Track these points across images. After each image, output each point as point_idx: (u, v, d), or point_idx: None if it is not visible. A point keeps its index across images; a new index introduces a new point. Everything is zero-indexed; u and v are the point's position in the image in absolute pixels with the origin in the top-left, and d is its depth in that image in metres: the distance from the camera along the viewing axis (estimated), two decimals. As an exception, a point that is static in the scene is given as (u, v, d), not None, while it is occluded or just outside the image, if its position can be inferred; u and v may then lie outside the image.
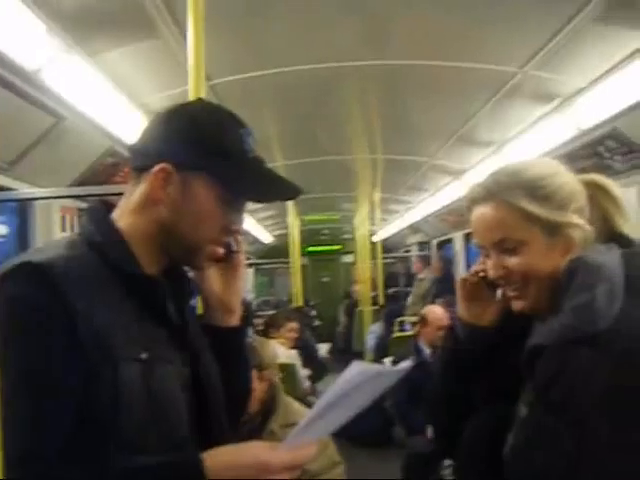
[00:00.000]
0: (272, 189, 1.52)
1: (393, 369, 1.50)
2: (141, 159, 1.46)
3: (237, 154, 1.45)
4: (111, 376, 1.26)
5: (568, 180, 1.55)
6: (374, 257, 11.21)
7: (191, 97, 2.17)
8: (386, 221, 13.38)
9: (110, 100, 3.87)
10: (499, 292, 1.67)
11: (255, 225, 12.24)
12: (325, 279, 18.49)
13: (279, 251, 14.61)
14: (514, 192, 1.52)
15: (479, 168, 6.82)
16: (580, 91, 4.27)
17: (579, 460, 1.32)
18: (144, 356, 1.33)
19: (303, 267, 13.07)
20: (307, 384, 6.42)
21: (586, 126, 4.50)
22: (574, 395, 1.35)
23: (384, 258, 11.86)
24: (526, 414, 1.46)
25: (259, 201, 1.60)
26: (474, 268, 1.72)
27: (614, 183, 1.62)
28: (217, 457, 1.25)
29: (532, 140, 5.30)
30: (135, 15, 3.19)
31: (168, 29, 3.34)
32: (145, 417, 1.30)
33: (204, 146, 1.42)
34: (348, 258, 17.56)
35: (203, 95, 2.22)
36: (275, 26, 3.71)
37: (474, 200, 1.59)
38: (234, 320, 1.65)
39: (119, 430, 1.26)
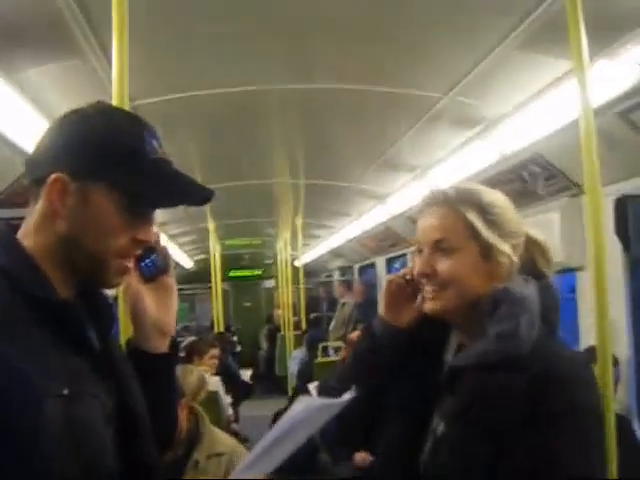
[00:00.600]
0: (179, 192, 1.42)
1: (336, 400, 1.46)
2: (36, 170, 1.35)
3: (138, 158, 1.35)
4: (33, 417, 1.13)
5: (515, 220, 1.70)
6: (296, 282, 11.20)
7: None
8: (308, 246, 13.39)
9: (29, 121, 3.75)
10: (419, 297, 1.75)
11: (176, 250, 12.09)
12: (247, 304, 18.42)
13: (200, 276, 14.51)
14: (468, 206, 1.65)
15: (402, 192, 6.86)
16: (503, 116, 4.32)
17: (494, 475, 1.45)
18: (66, 392, 1.21)
19: (224, 292, 13.00)
20: (230, 411, 6.34)
21: (509, 151, 4.54)
22: (493, 414, 1.48)
23: (306, 283, 11.86)
24: (443, 430, 1.60)
25: (165, 206, 1.47)
26: (402, 271, 1.82)
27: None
28: None
29: (456, 164, 5.34)
30: (55, 32, 3.08)
31: (90, 48, 3.24)
32: (67, 454, 1.19)
33: (100, 151, 1.32)
34: (270, 283, 17.60)
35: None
36: (199, 47, 3.65)
37: (431, 202, 1.71)
38: (164, 346, 1.56)
39: (40, 468, 1.14)
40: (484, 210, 1.64)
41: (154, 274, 1.52)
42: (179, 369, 4.79)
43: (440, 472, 1.56)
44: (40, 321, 1.24)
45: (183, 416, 3.32)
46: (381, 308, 1.84)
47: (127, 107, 2.20)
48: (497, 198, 1.70)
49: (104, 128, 1.34)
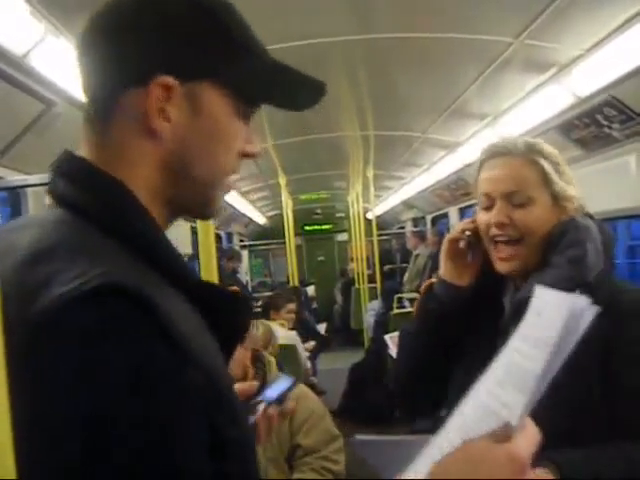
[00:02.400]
0: (299, 89, 1.14)
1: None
2: (114, 75, 0.98)
3: (251, 48, 1.06)
4: (241, 439, 0.92)
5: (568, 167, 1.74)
6: (369, 235, 11.18)
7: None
8: (380, 198, 13.34)
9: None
10: (471, 254, 1.79)
11: (248, 206, 12.19)
12: (320, 258, 18.48)
13: (273, 231, 14.61)
14: (538, 155, 1.67)
15: (473, 141, 6.76)
16: (576, 59, 4.20)
17: (577, 408, 1.48)
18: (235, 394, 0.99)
19: (298, 247, 13.06)
20: (308, 365, 6.41)
21: (583, 94, 4.43)
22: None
23: (379, 235, 11.83)
24: None
25: (282, 104, 1.14)
26: (460, 226, 1.81)
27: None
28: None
29: (528, 111, 5.23)
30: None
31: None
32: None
33: (213, 40, 1.00)
34: (343, 236, 17.60)
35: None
36: (262, 2, 3.62)
37: (497, 152, 1.71)
38: None
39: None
40: (551, 159, 1.68)
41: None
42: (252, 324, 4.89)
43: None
44: (187, 301, 0.94)
45: (246, 361, 3.40)
46: (442, 269, 1.83)
47: None
48: (553, 149, 1.73)
49: (211, 12, 1.01)
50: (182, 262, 0.99)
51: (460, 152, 7.40)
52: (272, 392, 1.48)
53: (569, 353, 0.98)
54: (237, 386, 1.30)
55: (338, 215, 17.35)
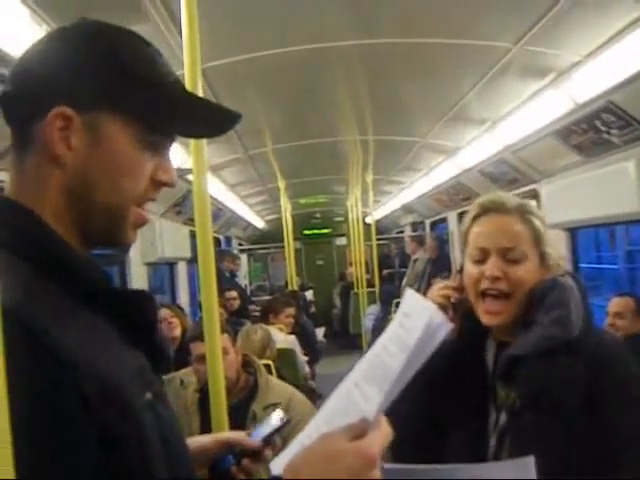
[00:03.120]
0: (206, 119, 1.18)
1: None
2: (23, 107, 1.05)
3: (153, 78, 1.09)
4: (136, 434, 0.95)
5: None
6: (368, 239, 11.20)
7: (187, 82, 2.11)
8: (379, 202, 13.36)
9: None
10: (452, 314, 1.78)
11: (247, 210, 12.20)
12: (319, 262, 18.50)
13: (272, 235, 14.62)
14: (531, 215, 1.76)
15: (473, 146, 6.78)
16: (575, 65, 4.22)
17: (570, 456, 1.54)
18: (149, 396, 1.02)
19: (297, 251, 13.07)
20: (307, 369, 6.40)
21: (582, 100, 4.44)
22: (564, 399, 1.57)
23: (378, 239, 11.85)
24: (506, 420, 1.67)
25: (189, 134, 1.25)
26: (442, 292, 1.80)
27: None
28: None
29: (527, 116, 5.25)
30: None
31: (158, 13, 3.27)
32: (165, 470, 1.01)
33: (108, 72, 1.04)
34: (341, 241, 17.62)
35: (199, 79, 2.16)
36: (264, 8, 3.64)
37: (492, 209, 1.77)
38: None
39: None
40: (541, 220, 1.77)
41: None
42: (244, 328, 4.93)
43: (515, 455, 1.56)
44: (90, 308, 1.00)
45: (238, 365, 3.50)
46: None
47: (199, 70, 2.20)
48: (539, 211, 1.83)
49: (108, 47, 1.06)
50: (91, 275, 1.04)
51: (459, 157, 7.42)
52: (262, 430, 1.51)
53: (422, 363, 1.04)
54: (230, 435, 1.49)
55: (337, 219, 17.37)
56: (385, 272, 12.66)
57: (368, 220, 12.00)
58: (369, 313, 10.08)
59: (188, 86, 2.02)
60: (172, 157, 1.17)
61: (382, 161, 9.07)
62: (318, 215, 17.42)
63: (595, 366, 1.59)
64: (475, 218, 1.80)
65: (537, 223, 1.74)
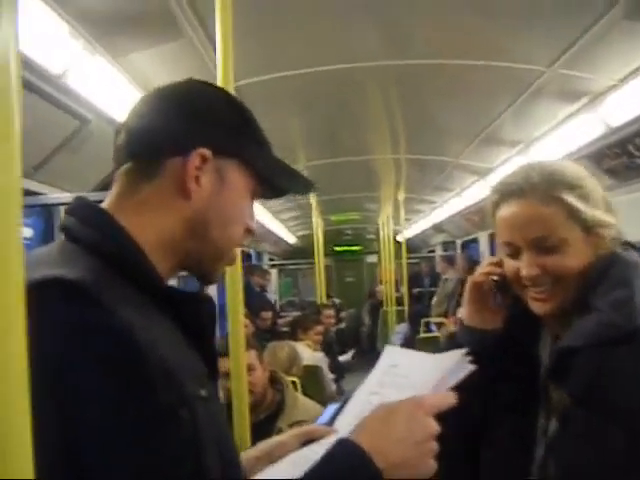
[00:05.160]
0: (296, 180, 1.31)
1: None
2: (157, 147, 1.15)
3: (264, 141, 1.25)
4: (190, 420, 0.97)
5: (597, 184, 1.48)
6: (398, 257, 11.17)
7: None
8: (410, 221, 13.34)
9: (135, 102, 3.83)
10: (499, 297, 1.57)
11: (279, 226, 12.24)
12: (349, 279, 18.48)
13: (303, 251, 14.63)
14: (558, 188, 1.41)
15: (505, 168, 6.75)
16: (609, 89, 4.21)
17: (630, 463, 1.27)
18: (204, 393, 1.04)
19: (327, 267, 13.05)
20: (333, 387, 6.39)
21: (615, 124, 4.43)
22: (621, 397, 1.30)
23: (408, 258, 11.82)
24: (557, 427, 1.39)
25: (287, 191, 1.33)
26: (483, 270, 1.58)
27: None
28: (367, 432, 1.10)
29: (559, 139, 5.24)
30: (159, 16, 3.16)
31: (193, 30, 3.31)
32: (217, 469, 1.03)
33: (237, 127, 1.19)
34: (372, 258, 17.59)
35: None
36: (298, 27, 3.68)
37: (511, 193, 1.46)
38: None
39: None
40: (572, 185, 1.42)
41: None
42: (271, 345, 4.94)
43: (564, 473, 1.35)
44: (159, 309, 1.07)
45: (265, 382, 3.50)
46: (465, 315, 1.61)
47: (232, 88, 2.21)
48: (574, 168, 1.49)
49: (241, 105, 1.24)
50: (156, 276, 1.10)
51: (491, 178, 7.40)
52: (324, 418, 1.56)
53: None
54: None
55: (368, 237, 17.36)
56: (415, 291, 12.60)
57: (399, 238, 11.98)
58: (397, 332, 10.04)
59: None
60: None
61: (414, 180, 9.07)
62: (349, 232, 17.41)
63: None
64: (495, 206, 1.50)
65: (568, 196, 1.39)
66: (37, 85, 3.13)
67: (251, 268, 10.37)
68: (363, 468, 1.04)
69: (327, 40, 3.97)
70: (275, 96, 4.80)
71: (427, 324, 9.07)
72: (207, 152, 1.13)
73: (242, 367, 2.19)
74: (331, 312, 6.62)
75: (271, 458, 1.35)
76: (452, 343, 1.57)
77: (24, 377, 0.61)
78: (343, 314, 13.38)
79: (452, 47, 4.09)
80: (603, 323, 1.34)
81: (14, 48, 0.63)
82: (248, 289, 7.34)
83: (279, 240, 14.05)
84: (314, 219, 10.82)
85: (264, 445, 1.42)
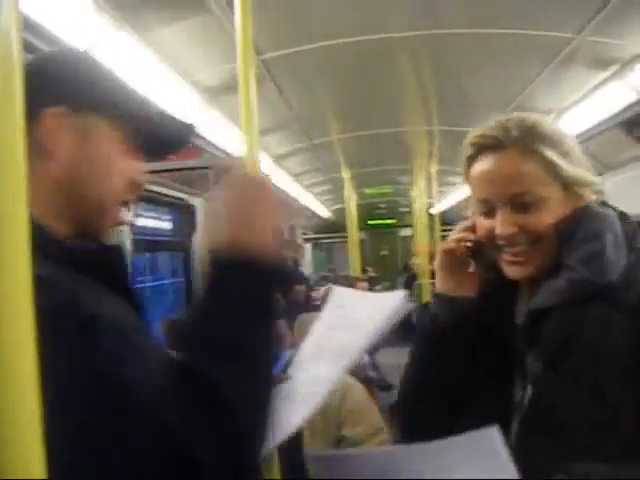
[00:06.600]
0: (172, 129, 1.33)
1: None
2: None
3: (130, 90, 1.27)
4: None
5: (576, 143, 1.40)
6: (432, 230, 11.15)
7: (240, 72, 2.14)
8: (444, 193, 13.28)
9: (161, 78, 3.88)
10: (472, 264, 1.48)
11: (312, 200, 12.26)
12: (384, 252, 18.48)
13: (337, 225, 14.64)
14: (538, 142, 1.32)
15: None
16: (639, 56, 4.17)
17: (605, 431, 1.18)
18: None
19: (361, 241, 13.05)
20: (365, 359, 6.43)
21: (646, 91, 4.39)
22: (594, 360, 1.21)
23: (442, 231, 11.78)
24: (532, 393, 1.30)
25: (160, 145, 1.35)
26: (455, 236, 1.48)
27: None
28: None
29: (591, 107, 5.20)
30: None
31: (217, 4, 3.33)
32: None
33: (100, 84, 1.22)
34: (406, 231, 17.54)
35: (253, 70, 2.18)
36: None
37: (486, 145, 1.36)
38: None
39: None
40: (553, 140, 1.33)
41: None
42: (301, 317, 4.99)
43: (539, 441, 1.25)
44: (79, 270, 1.09)
45: None
46: (438, 283, 1.51)
47: (254, 61, 2.21)
48: (554, 125, 1.40)
49: (94, 65, 1.25)
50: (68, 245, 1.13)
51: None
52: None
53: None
54: None
55: (402, 210, 17.30)
56: (449, 263, 12.56)
57: (433, 211, 11.94)
58: (430, 304, 10.05)
59: (242, 76, 2.05)
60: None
61: (447, 152, 9.02)
62: (383, 205, 17.36)
63: None
64: (471, 160, 1.40)
65: (546, 150, 1.31)
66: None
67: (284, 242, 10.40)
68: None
69: (353, 11, 3.97)
70: (306, 68, 4.81)
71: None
72: (61, 110, 1.15)
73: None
74: (365, 285, 6.62)
75: None
76: (425, 311, 1.51)
77: (33, 379, 0.65)
78: (378, 287, 13.39)
79: (481, 16, 4.08)
80: (574, 280, 1.26)
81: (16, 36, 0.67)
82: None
83: (312, 214, 14.07)
84: (347, 193, 10.82)
85: None
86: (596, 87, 4.90)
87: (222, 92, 4.28)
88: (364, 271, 13.27)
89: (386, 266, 17.54)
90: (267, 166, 7.01)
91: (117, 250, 1.22)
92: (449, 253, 1.47)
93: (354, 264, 11.00)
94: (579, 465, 1.12)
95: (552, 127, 1.37)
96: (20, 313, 0.65)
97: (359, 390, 3.49)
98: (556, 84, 5.13)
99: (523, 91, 5.53)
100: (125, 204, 1.25)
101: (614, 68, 4.50)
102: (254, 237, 1.10)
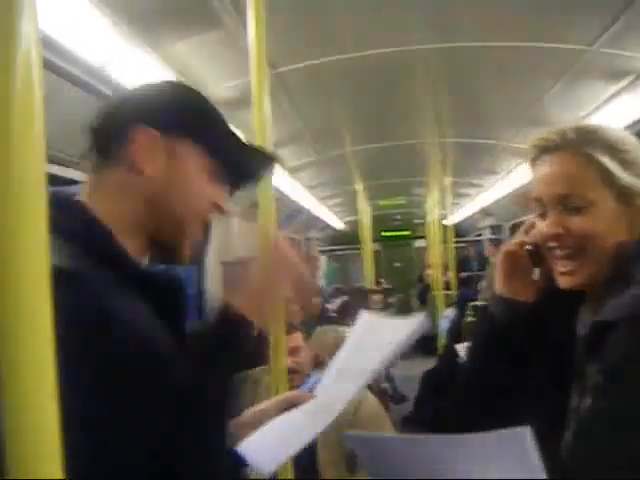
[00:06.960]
0: (255, 159, 1.44)
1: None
2: (112, 134, 1.26)
3: (220, 121, 1.34)
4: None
5: None
6: (446, 241, 11.15)
7: (254, 86, 2.15)
8: (457, 205, 13.28)
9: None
10: (536, 271, 1.50)
11: (326, 211, 12.27)
12: (397, 264, 18.45)
13: (351, 237, 14.64)
14: (596, 146, 1.34)
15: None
16: (653, 67, 4.17)
17: None
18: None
19: (375, 252, 13.05)
20: (382, 370, 6.42)
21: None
22: None
23: (456, 242, 11.78)
24: (591, 404, 1.29)
25: (242, 174, 1.43)
26: (516, 239, 1.51)
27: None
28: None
29: (604, 119, 5.18)
30: (198, 6, 3.21)
31: (231, 19, 3.35)
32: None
33: (189, 109, 1.30)
34: (420, 243, 17.51)
35: (266, 83, 2.19)
36: (340, 10, 3.69)
37: (545, 148, 1.40)
38: None
39: None
40: (614, 148, 1.34)
41: None
42: (318, 329, 5.01)
43: (594, 452, 1.23)
44: (134, 290, 1.16)
45: (311, 364, 3.60)
46: (497, 284, 1.53)
47: (267, 74, 2.22)
48: (621, 132, 1.41)
49: (186, 91, 1.34)
50: (136, 265, 1.23)
51: (538, 160, 7.34)
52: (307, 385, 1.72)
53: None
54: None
55: (417, 221, 17.28)
56: (463, 275, 12.56)
57: (446, 222, 11.94)
58: (445, 315, 10.01)
59: (254, 90, 2.07)
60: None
61: (461, 163, 9.03)
62: (398, 217, 17.35)
63: None
64: (532, 162, 1.46)
65: (603, 157, 1.33)
66: (79, 77, 3.19)
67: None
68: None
69: (368, 24, 3.98)
70: (318, 81, 4.83)
71: (475, 308, 9.04)
72: (154, 132, 1.23)
73: (281, 353, 2.18)
74: (380, 297, 6.64)
75: (254, 425, 1.47)
76: (485, 313, 1.55)
77: (52, 382, 0.66)
78: (392, 299, 13.40)
79: (495, 29, 4.09)
80: (638, 295, 1.26)
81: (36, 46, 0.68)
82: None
83: (326, 226, 14.08)
84: (360, 204, 10.82)
85: (249, 412, 1.57)
86: (610, 99, 4.90)
87: (237, 106, 4.30)
88: (377, 283, 13.27)
89: (400, 278, 17.52)
90: (281, 179, 7.01)
91: (177, 280, 1.29)
92: (510, 255, 1.51)
93: (368, 276, 10.99)
94: None
95: (619, 135, 1.39)
96: (39, 312, 0.66)
97: (373, 402, 3.50)
98: (570, 96, 5.13)
99: (537, 103, 5.53)
100: (205, 225, 1.34)
101: (628, 79, 4.50)
102: (256, 314, 1.31)
